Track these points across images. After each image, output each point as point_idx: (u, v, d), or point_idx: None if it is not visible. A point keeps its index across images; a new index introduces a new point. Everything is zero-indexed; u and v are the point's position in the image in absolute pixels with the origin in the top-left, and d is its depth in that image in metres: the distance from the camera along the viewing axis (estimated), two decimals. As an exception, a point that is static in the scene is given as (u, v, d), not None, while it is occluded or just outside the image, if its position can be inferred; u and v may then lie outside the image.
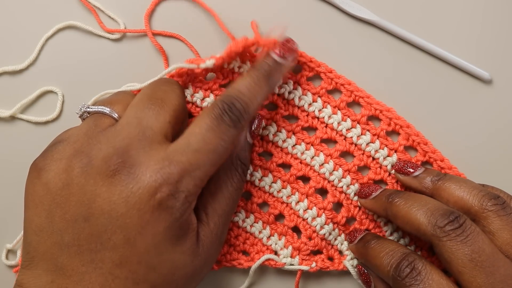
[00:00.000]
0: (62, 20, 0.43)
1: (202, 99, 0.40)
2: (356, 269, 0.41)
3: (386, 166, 0.41)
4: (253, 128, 0.40)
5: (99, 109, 0.36)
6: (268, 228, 0.42)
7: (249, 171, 0.41)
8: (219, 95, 0.35)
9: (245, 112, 0.35)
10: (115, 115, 0.35)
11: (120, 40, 0.43)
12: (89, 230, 0.32)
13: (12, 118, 0.43)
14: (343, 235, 0.42)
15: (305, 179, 0.42)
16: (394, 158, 0.41)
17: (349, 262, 0.41)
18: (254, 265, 0.41)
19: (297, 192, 0.42)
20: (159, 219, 0.33)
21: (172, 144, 0.34)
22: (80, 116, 0.37)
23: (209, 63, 0.37)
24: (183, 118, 0.37)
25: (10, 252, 0.44)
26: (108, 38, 0.43)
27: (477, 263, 0.33)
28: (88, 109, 0.36)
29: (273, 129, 0.42)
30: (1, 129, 0.43)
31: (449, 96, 0.42)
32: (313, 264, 0.42)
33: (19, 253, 0.43)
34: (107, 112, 0.35)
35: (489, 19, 0.42)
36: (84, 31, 0.43)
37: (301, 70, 0.42)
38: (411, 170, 0.40)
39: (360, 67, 0.42)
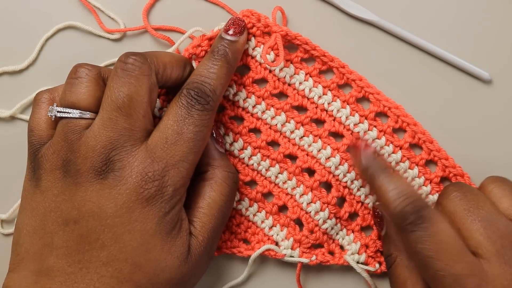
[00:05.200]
0: (62, 20, 0.43)
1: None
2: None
3: (391, 162, 0.41)
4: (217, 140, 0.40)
5: (71, 115, 0.35)
6: (271, 218, 0.42)
7: (256, 160, 0.42)
8: (185, 84, 0.37)
9: (211, 93, 0.36)
10: (87, 116, 0.35)
11: (120, 40, 0.43)
12: (78, 232, 0.33)
13: (12, 118, 0.43)
14: (345, 230, 0.42)
15: (311, 172, 0.42)
16: (398, 155, 0.41)
17: (350, 257, 0.41)
18: (254, 254, 0.41)
19: (302, 185, 0.42)
20: (148, 216, 0.34)
21: (151, 140, 0.35)
22: (52, 118, 0.36)
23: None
24: (172, 77, 0.38)
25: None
26: (108, 38, 0.43)
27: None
28: (58, 114, 0.36)
29: (281, 118, 0.42)
30: (1, 129, 0.43)
31: (449, 96, 0.42)
32: (313, 257, 0.42)
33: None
34: (77, 116, 0.35)
35: (488, 19, 0.42)
36: (84, 31, 0.43)
37: (314, 62, 0.42)
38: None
39: (359, 67, 0.42)
